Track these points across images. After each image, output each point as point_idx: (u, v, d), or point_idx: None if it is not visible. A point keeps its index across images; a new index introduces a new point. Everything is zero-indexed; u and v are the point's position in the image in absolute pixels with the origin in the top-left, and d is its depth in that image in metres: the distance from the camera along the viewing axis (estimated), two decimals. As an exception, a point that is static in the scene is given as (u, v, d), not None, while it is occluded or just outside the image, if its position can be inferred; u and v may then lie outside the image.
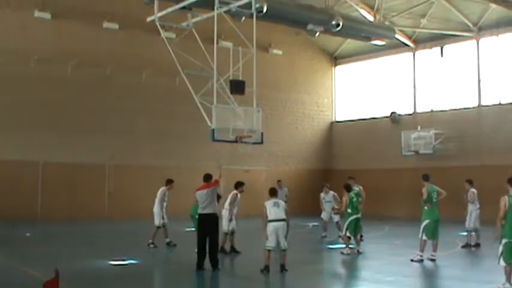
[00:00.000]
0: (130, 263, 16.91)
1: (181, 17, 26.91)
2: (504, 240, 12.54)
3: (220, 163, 17.71)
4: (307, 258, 19.55)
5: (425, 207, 17.72)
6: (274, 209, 15.32)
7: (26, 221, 28.72)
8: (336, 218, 23.97)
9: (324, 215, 24.87)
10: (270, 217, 15.29)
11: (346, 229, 19.66)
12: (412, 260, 17.31)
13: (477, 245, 21.37)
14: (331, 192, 24.91)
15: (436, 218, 17.70)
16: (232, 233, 19.79)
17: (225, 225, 19.38)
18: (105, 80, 33.61)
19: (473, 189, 21.79)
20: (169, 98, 34.54)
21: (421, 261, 17.26)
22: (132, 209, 32.45)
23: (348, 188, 20.15)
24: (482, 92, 35.89)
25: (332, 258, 19.72)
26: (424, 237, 17.55)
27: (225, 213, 19.60)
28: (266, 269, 15.26)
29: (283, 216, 15.39)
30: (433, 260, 17.30)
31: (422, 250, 17.52)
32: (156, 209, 21.42)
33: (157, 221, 21.27)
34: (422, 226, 17.67)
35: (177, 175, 34.25)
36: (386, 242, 24.28)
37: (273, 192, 16.01)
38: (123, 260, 17.08)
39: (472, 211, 21.55)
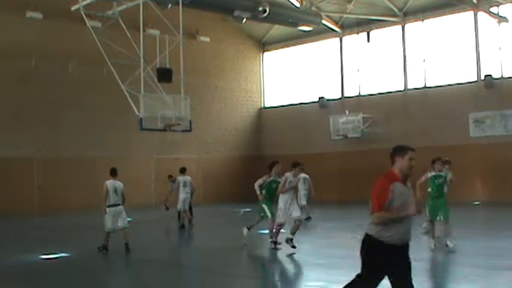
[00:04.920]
0: (62, 256, 16.69)
1: (106, 5, 26.63)
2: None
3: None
4: (237, 243, 19.57)
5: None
6: (114, 196, 16.87)
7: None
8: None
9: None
10: (109, 202, 16.87)
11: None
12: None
13: (309, 218, 24.37)
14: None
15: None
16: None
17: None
18: (30, 72, 32.75)
19: (302, 175, 23.57)
20: (96, 88, 33.97)
21: None
22: (62, 202, 32.00)
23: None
24: (408, 76, 36.53)
25: (263, 243, 19.79)
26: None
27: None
28: (105, 248, 16.94)
29: (120, 202, 17.02)
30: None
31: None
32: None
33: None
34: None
35: (107, 166, 34.15)
36: (317, 225, 24.44)
37: (112, 172, 17.29)
38: (55, 254, 16.85)
39: (301, 191, 23.50)
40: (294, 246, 16.11)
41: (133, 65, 24.81)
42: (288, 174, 16.56)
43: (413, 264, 7.71)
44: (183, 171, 24.14)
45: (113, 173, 17.32)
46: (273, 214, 17.22)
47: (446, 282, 12.64)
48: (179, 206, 23.45)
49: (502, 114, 32.39)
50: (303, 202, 24.14)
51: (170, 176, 26.74)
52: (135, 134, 30.17)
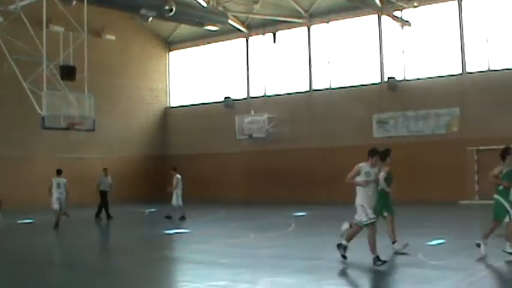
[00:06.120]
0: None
1: (8, -1, 25.92)
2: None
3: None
4: (141, 244, 19.37)
5: None
6: None
7: None
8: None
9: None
10: None
11: None
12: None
13: (183, 218, 25.38)
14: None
15: None
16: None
17: None
18: None
19: (177, 175, 26.08)
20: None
21: None
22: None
23: None
24: (313, 77, 36.94)
25: (165, 243, 19.66)
26: None
27: None
28: None
29: None
30: None
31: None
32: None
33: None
34: None
35: (7, 165, 33.21)
36: (221, 225, 24.44)
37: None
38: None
39: (177, 192, 25.82)
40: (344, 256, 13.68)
41: (36, 61, 24.27)
42: (363, 165, 13.43)
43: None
44: (59, 172, 24.32)
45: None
46: None
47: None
48: (55, 205, 23.62)
49: (404, 115, 33.18)
50: (180, 202, 25.75)
51: (105, 169, 27.67)
52: (37, 133, 29.44)
